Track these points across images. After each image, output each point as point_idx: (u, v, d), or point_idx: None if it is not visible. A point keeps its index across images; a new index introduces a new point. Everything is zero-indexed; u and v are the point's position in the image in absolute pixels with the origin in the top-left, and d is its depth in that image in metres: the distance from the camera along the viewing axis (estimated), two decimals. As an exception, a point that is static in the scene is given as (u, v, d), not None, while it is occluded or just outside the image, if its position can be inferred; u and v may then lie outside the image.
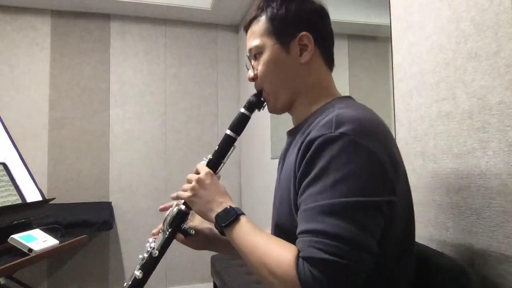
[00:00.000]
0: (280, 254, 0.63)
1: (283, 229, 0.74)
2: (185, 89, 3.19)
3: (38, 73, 2.84)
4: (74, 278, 2.79)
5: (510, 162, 0.76)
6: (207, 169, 0.83)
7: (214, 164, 0.85)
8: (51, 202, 1.82)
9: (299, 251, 0.61)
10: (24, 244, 1.37)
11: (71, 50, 2.93)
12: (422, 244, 0.92)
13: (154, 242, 0.87)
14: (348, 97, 0.82)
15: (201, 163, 0.86)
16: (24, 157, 1.81)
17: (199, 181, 0.80)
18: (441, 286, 0.76)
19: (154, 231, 0.91)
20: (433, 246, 0.95)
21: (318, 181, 0.62)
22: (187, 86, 3.20)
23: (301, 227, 0.63)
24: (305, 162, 0.66)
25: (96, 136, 2.94)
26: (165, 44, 3.17)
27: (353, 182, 0.60)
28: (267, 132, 2.51)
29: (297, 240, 0.63)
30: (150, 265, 0.85)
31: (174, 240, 0.89)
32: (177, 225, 0.87)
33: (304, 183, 0.65)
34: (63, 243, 1.57)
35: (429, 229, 1.01)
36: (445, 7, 0.95)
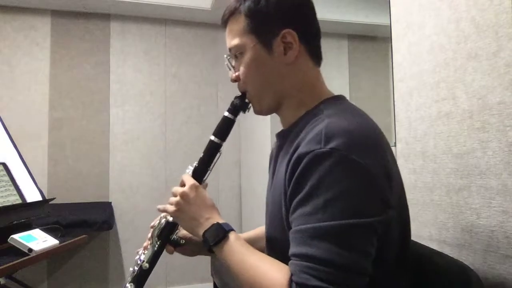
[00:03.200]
0: (272, 275, 0.61)
1: (276, 244, 0.73)
2: (185, 89, 3.19)
3: (38, 73, 2.84)
4: (74, 278, 2.79)
5: (510, 162, 0.76)
6: (192, 181, 0.78)
7: (200, 172, 0.82)
8: (51, 202, 1.82)
9: (292, 274, 0.59)
10: (24, 244, 1.37)
11: (71, 50, 2.93)
12: (422, 244, 0.92)
13: (144, 254, 0.84)
14: (338, 98, 0.77)
15: (187, 171, 0.83)
16: (24, 157, 1.81)
17: (183, 195, 0.76)
18: (441, 286, 0.76)
19: (145, 244, 0.88)
20: (433, 246, 0.95)
21: (309, 201, 0.60)
22: (187, 86, 3.20)
23: (293, 249, 0.61)
24: (295, 179, 0.63)
25: (96, 136, 2.94)
26: (165, 44, 3.17)
27: (344, 202, 0.57)
28: (267, 132, 2.51)
29: (290, 262, 0.61)
30: (141, 277, 0.82)
31: None
32: (166, 237, 0.84)
33: (295, 202, 0.62)
34: (63, 243, 1.56)
35: (429, 229, 1.00)
36: (445, 7, 0.95)
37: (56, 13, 2.91)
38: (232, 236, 0.70)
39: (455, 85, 0.91)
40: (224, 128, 0.82)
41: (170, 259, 2.95)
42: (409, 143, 1.09)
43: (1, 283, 1.37)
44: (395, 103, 1.17)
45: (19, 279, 1.94)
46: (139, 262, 0.83)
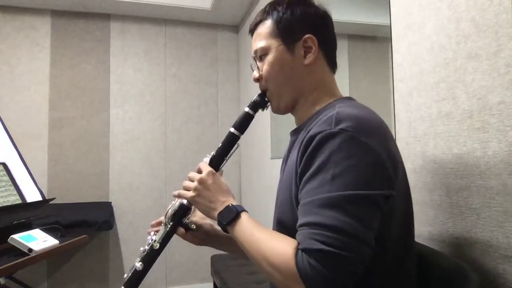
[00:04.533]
0: (280, 247, 0.64)
1: (285, 225, 0.76)
2: (185, 89, 3.20)
3: (38, 73, 2.84)
4: (74, 278, 2.79)
5: (510, 162, 0.76)
6: (209, 168, 0.84)
7: (217, 161, 0.87)
8: (51, 202, 1.82)
9: (298, 243, 0.62)
10: (24, 244, 1.37)
11: (71, 50, 2.93)
12: (422, 244, 0.92)
13: (155, 235, 0.88)
14: (350, 98, 0.84)
15: (204, 160, 0.88)
16: (24, 157, 1.81)
17: (201, 181, 0.82)
18: (441, 286, 0.76)
19: (153, 222, 0.93)
20: (433, 246, 0.95)
21: (318, 176, 0.64)
22: (187, 86, 3.20)
23: (300, 220, 0.64)
24: (306, 157, 0.67)
25: (96, 136, 2.94)
26: (165, 44, 3.17)
27: (351, 176, 0.61)
28: (267, 132, 2.51)
29: (297, 233, 0.64)
30: (150, 257, 0.86)
31: (176, 237, 0.89)
32: (178, 219, 0.88)
33: (305, 178, 0.67)
34: (63, 243, 1.57)
35: (429, 229, 1.01)
36: (445, 7, 0.95)
37: (56, 13, 2.91)
38: (244, 216, 0.75)
39: (455, 85, 0.91)
40: (244, 122, 0.87)
41: (170, 259, 2.95)
42: (409, 143, 1.09)
43: (1, 283, 1.37)
44: (395, 103, 1.17)
45: (19, 279, 1.94)
46: (150, 241, 0.87)
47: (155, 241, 0.86)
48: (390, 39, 1.20)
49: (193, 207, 0.89)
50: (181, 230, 0.89)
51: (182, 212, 0.88)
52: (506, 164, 0.77)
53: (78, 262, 2.80)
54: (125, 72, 3.05)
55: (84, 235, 1.74)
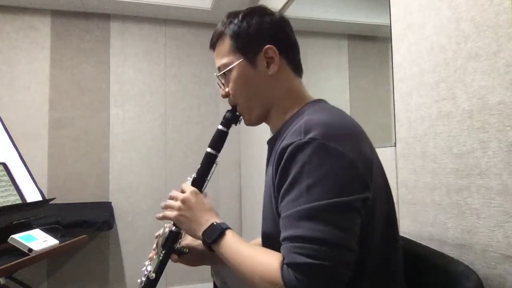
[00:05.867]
0: (266, 262, 0.65)
1: (270, 239, 0.76)
2: (185, 89, 3.19)
3: (38, 73, 2.84)
4: (74, 278, 2.79)
5: (510, 162, 0.76)
6: (192, 188, 0.85)
7: (199, 182, 0.88)
8: (51, 202, 1.82)
9: (283, 258, 0.63)
10: (24, 244, 1.36)
11: (71, 50, 2.93)
12: (422, 244, 0.92)
13: (150, 265, 0.88)
14: (320, 100, 0.84)
15: (186, 182, 0.88)
16: (24, 157, 1.81)
17: (184, 200, 0.82)
18: (441, 286, 0.76)
19: (150, 255, 0.93)
20: (433, 246, 0.95)
21: (293, 188, 0.64)
22: (187, 86, 3.20)
23: (282, 234, 0.65)
24: (280, 170, 0.68)
25: (96, 136, 2.94)
26: (165, 44, 3.17)
27: (325, 184, 0.62)
28: (267, 132, 2.51)
29: (281, 247, 0.64)
30: (149, 287, 0.87)
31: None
32: (170, 246, 0.89)
33: (282, 191, 0.67)
34: (63, 243, 1.56)
35: (429, 229, 1.00)
36: (445, 7, 0.95)
37: (56, 13, 2.91)
38: (228, 233, 0.75)
39: (455, 85, 0.91)
40: (218, 140, 0.88)
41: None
42: (409, 143, 1.09)
43: (1, 283, 1.37)
44: (395, 103, 1.17)
45: (19, 279, 1.94)
46: (145, 273, 0.88)
47: (150, 271, 0.87)
48: (390, 39, 1.20)
49: (183, 231, 0.89)
50: (174, 256, 0.90)
51: (173, 238, 0.89)
52: (506, 164, 0.77)
53: (78, 262, 2.80)
54: (125, 72, 3.05)
55: (84, 235, 1.74)
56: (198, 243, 0.93)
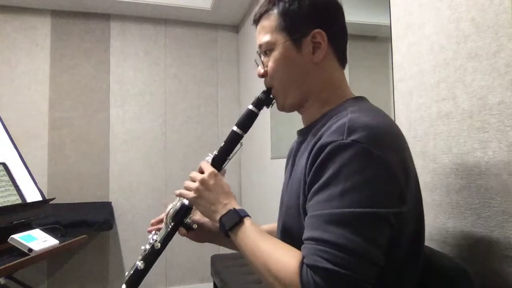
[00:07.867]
0: (285, 259, 0.62)
1: (290, 233, 0.73)
2: (185, 89, 3.20)
3: (38, 73, 2.84)
4: (74, 278, 2.79)
5: (510, 162, 0.76)
6: (211, 169, 0.81)
7: (219, 160, 0.84)
8: (51, 202, 1.82)
9: (303, 257, 0.60)
10: (24, 244, 1.37)
11: (71, 50, 2.93)
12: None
13: (156, 234, 0.87)
14: (361, 98, 0.79)
15: (206, 159, 0.85)
16: (24, 157, 1.81)
17: (203, 182, 0.79)
18: (441, 286, 0.76)
19: (154, 220, 0.92)
20: (433, 246, 0.95)
21: (327, 189, 0.61)
22: (187, 86, 3.20)
23: (307, 233, 0.62)
24: (315, 167, 0.64)
25: (96, 136, 2.94)
26: (165, 44, 3.17)
27: (362, 192, 0.58)
28: (267, 132, 2.51)
29: (303, 245, 0.62)
30: (152, 256, 0.85)
31: (176, 237, 0.89)
32: (180, 219, 0.87)
33: (313, 189, 0.64)
34: (63, 243, 1.57)
35: (429, 229, 1.00)
36: (445, 7, 0.95)
37: (56, 13, 2.91)
38: (247, 221, 0.72)
39: (455, 85, 0.91)
40: (247, 120, 0.83)
41: (170, 259, 2.95)
42: (409, 143, 1.09)
43: (1, 283, 1.38)
44: (395, 103, 1.17)
45: (19, 279, 1.94)
46: (151, 241, 0.86)
47: (156, 241, 0.85)
48: (390, 39, 1.20)
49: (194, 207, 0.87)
50: (183, 230, 0.88)
51: (184, 212, 0.86)
52: (506, 164, 0.77)
53: (78, 262, 2.80)
54: (125, 72, 3.05)
55: (84, 235, 1.74)
56: (207, 220, 0.92)
